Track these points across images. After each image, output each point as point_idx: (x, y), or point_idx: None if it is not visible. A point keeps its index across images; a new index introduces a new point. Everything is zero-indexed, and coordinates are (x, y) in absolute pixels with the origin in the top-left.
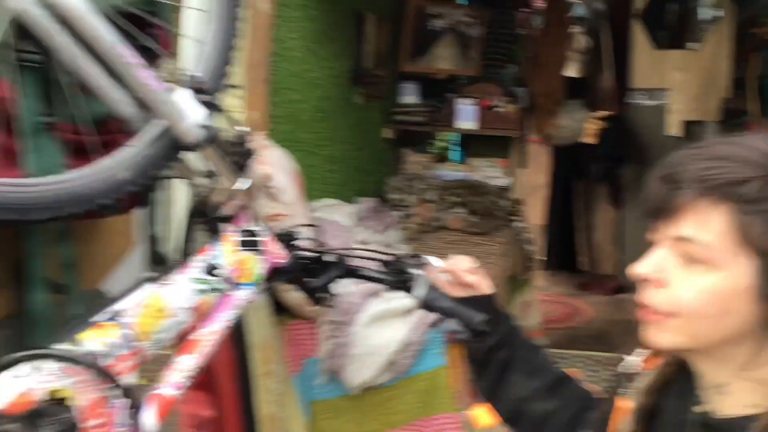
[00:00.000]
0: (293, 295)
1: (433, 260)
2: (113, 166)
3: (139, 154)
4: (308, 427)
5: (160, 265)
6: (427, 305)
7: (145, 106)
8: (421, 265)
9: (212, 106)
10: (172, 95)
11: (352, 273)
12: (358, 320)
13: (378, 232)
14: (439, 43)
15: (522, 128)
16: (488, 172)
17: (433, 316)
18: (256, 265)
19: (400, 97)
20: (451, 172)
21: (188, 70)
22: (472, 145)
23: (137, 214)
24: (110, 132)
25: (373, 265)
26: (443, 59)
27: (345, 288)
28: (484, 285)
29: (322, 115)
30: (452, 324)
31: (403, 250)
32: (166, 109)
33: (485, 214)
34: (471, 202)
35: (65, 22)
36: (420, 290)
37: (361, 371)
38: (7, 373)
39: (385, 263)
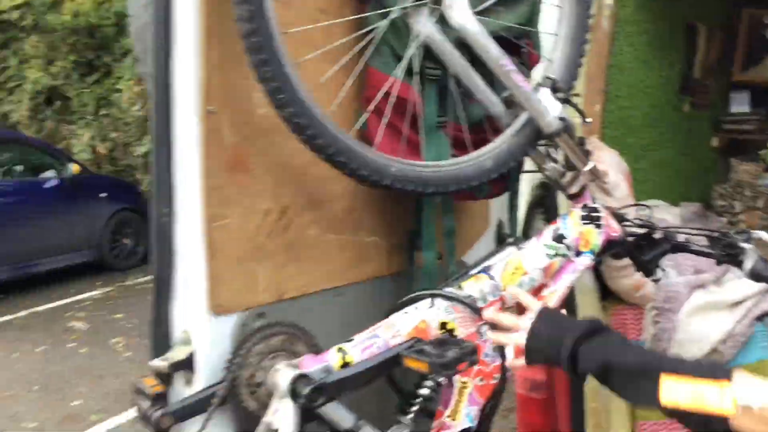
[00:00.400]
0: (622, 282)
1: (764, 235)
2: (482, 156)
3: (504, 147)
4: (630, 412)
5: (504, 245)
6: (756, 275)
7: (514, 105)
8: (751, 239)
9: (566, 101)
10: (537, 94)
11: (681, 248)
12: (683, 309)
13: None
14: None
15: None
16: None
17: (760, 310)
18: (595, 237)
19: (729, 106)
20: None
21: (548, 75)
22: None
23: (493, 201)
24: (482, 131)
25: (700, 242)
26: None
27: (671, 278)
28: None
29: (650, 121)
30: None
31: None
32: (532, 105)
33: None
34: None
35: (461, 43)
36: (749, 261)
37: (687, 353)
38: (411, 307)
39: (713, 239)
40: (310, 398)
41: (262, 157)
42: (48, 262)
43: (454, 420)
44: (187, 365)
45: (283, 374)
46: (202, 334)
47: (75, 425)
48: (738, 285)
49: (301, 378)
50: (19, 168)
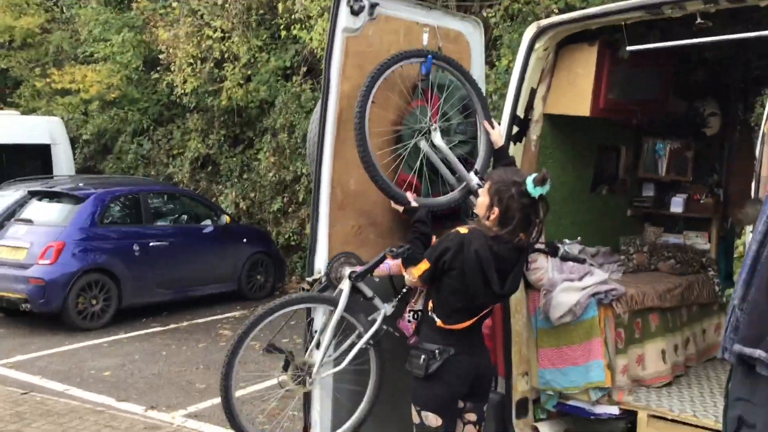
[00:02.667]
0: (532, 276)
1: (567, 242)
2: (451, 196)
3: (457, 194)
4: (535, 341)
5: None
6: (564, 258)
7: (461, 180)
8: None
9: (481, 179)
10: (470, 175)
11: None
12: (556, 289)
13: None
14: None
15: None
16: (695, 239)
17: (593, 291)
18: None
19: (641, 192)
20: (672, 238)
21: (475, 169)
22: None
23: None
24: (450, 189)
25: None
26: None
27: (554, 275)
28: None
29: (567, 201)
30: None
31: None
32: (469, 179)
33: (685, 263)
34: (678, 255)
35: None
36: (560, 252)
37: (556, 313)
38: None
39: (550, 246)
40: (355, 279)
41: (351, 204)
42: (202, 288)
43: (415, 304)
44: (319, 281)
45: (346, 271)
46: (325, 269)
47: None
48: (586, 280)
49: (352, 272)
50: (185, 217)
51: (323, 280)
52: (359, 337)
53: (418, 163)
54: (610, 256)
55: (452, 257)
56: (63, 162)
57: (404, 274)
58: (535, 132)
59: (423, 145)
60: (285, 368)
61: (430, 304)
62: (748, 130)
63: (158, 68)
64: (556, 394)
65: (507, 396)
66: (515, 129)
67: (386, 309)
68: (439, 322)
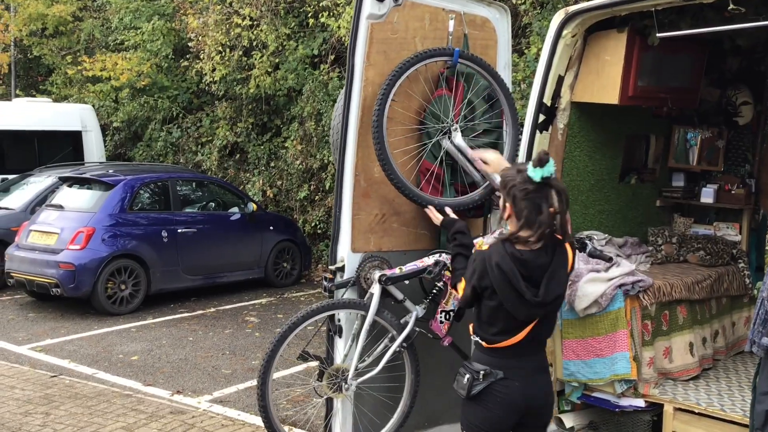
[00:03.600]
0: None
1: (593, 233)
2: (473, 196)
3: (480, 193)
4: (560, 332)
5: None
6: (591, 255)
7: (484, 177)
8: (588, 239)
9: None
10: (493, 175)
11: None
12: (581, 280)
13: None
14: None
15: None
16: (726, 231)
17: (620, 282)
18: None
19: (671, 181)
20: (702, 229)
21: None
22: (719, 213)
23: (480, 219)
24: (473, 187)
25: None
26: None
27: (580, 266)
28: None
29: (594, 189)
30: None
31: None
32: (491, 178)
33: (715, 255)
34: (707, 247)
35: (460, 150)
36: (587, 248)
37: (582, 304)
38: (432, 255)
39: (578, 241)
40: (385, 282)
41: (375, 192)
42: (229, 275)
43: (447, 305)
44: (342, 269)
45: (376, 274)
46: (348, 259)
47: (255, 374)
48: (613, 271)
49: (383, 275)
50: (212, 204)
51: (352, 281)
52: (392, 340)
53: (443, 152)
54: (638, 247)
55: (480, 278)
56: (94, 149)
57: (454, 292)
58: (562, 120)
59: (445, 143)
60: (320, 376)
61: (471, 327)
62: None
63: (187, 56)
64: (581, 386)
65: None
66: (542, 117)
67: (418, 311)
68: (484, 343)
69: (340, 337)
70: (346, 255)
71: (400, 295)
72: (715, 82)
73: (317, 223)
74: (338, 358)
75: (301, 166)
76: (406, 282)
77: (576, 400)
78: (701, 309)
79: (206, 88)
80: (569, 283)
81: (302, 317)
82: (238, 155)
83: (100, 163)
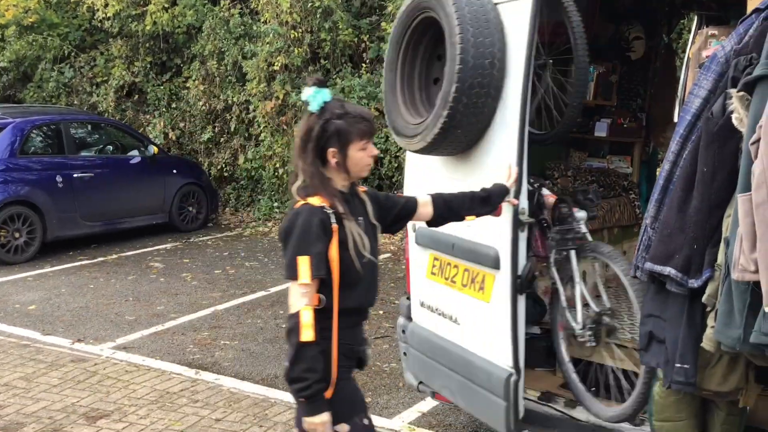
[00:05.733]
0: None
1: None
2: None
3: None
4: None
5: None
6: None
7: None
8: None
9: None
10: None
11: None
12: None
13: None
14: None
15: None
16: (618, 164)
17: None
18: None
19: None
20: (596, 163)
21: None
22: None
23: None
24: None
25: None
26: None
27: None
28: None
29: None
30: None
31: None
32: None
33: (608, 187)
34: (600, 179)
35: None
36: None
37: None
38: None
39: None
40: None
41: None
42: (131, 221)
43: None
44: None
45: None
46: None
47: (160, 319)
48: None
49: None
50: (110, 147)
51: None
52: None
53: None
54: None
55: None
56: None
57: None
58: None
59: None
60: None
61: None
62: (672, 55)
63: None
64: None
65: None
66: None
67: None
68: None
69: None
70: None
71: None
72: (610, 16)
73: (223, 165)
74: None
75: (204, 107)
76: None
77: None
78: (594, 239)
79: (99, 24)
80: None
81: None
82: (136, 96)
83: None
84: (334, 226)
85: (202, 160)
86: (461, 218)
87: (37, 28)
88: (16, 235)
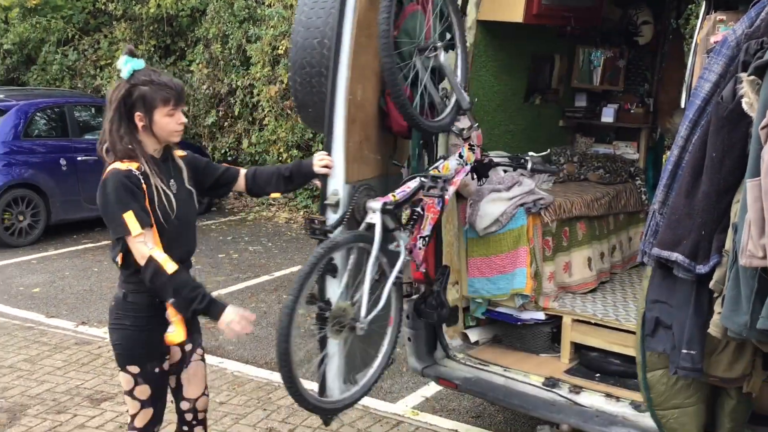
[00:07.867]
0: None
1: (533, 155)
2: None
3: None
4: (465, 251)
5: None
6: (534, 170)
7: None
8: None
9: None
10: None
11: (497, 165)
12: (483, 199)
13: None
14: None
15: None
16: (624, 149)
17: (521, 201)
18: (472, 157)
19: (574, 102)
20: (602, 149)
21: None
22: (619, 133)
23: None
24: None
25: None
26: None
27: (483, 185)
28: None
29: (500, 109)
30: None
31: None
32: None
33: (614, 173)
34: (607, 165)
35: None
36: (529, 164)
37: (483, 223)
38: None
39: (514, 159)
40: (388, 211)
41: (358, 117)
42: None
43: (423, 230)
44: (336, 205)
45: (376, 203)
46: (343, 192)
47: None
48: (514, 190)
49: (385, 203)
50: None
51: (347, 216)
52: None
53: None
54: (542, 164)
55: None
56: None
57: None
58: (468, 39)
59: (420, 63)
60: (321, 319)
61: None
62: (680, 40)
63: None
64: (485, 302)
65: None
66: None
67: (404, 239)
68: None
69: (334, 276)
70: (341, 187)
71: (392, 224)
72: (617, 1)
73: (227, 150)
74: (333, 298)
75: (208, 90)
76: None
77: (481, 316)
78: (600, 225)
79: (103, 7)
80: (471, 203)
81: (310, 269)
82: None
83: None
84: (144, 185)
85: (206, 144)
86: (267, 193)
87: (41, 10)
88: (20, 218)
